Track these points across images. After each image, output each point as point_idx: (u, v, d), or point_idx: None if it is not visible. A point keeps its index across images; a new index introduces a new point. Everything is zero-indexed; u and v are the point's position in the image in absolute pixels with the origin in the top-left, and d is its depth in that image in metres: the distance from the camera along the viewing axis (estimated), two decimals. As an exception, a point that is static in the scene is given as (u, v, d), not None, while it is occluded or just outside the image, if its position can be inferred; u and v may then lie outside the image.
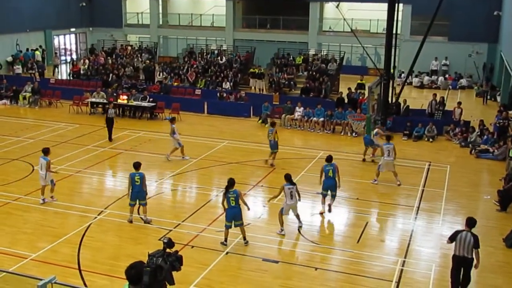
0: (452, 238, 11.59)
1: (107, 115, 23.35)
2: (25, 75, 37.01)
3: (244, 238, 13.85)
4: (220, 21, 46.45)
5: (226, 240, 13.76)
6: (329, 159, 16.19)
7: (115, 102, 27.62)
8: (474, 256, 11.41)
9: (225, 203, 13.69)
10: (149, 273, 7.54)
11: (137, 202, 14.89)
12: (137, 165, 14.85)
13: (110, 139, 23.18)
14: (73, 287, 8.46)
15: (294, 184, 14.52)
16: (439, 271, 12.81)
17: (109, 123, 23.13)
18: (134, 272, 6.55)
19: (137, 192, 14.71)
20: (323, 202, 16.05)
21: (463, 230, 11.53)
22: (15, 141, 23.04)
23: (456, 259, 11.61)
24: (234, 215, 13.62)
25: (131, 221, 14.97)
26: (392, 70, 25.40)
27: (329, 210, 16.02)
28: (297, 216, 14.84)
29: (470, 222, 11.59)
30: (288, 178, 14.53)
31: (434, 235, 14.91)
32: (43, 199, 16.26)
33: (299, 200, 14.66)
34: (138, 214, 15.27)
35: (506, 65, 29.98)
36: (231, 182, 13.65)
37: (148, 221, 15.01)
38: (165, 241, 8.57)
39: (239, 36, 45.27)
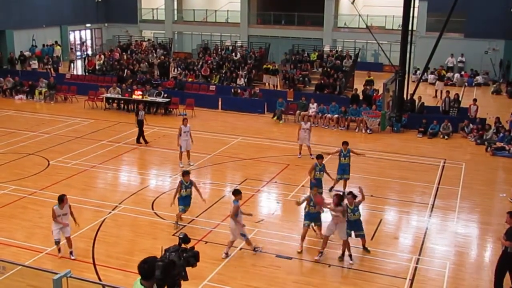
0: (511, 237, 11.17)
1: (137, 117, 21.95)
2: (41, 70, 37.30)
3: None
4: (234, 17, 46.48)
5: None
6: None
7: (130, 98, 27.86)
8: None
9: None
10: (161, 267, 7.55)
11: None
12: None
13: (139, 140, 22.18)
14: (88, 281, 8.50)
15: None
16: (453, 269, 12.73)
17: (140, 125, 22.00)
18: (147, 267, 6.56)
19: None
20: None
21: None
22: (31, 135, 23.25)
23: (509, 256, 11.24)
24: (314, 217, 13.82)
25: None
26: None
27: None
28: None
29: None
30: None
31: (448, 233, 14.80)
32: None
33: None
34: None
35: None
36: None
37: None
38: (181, 236, 8.54)
39: (253, 32, 45.26)
